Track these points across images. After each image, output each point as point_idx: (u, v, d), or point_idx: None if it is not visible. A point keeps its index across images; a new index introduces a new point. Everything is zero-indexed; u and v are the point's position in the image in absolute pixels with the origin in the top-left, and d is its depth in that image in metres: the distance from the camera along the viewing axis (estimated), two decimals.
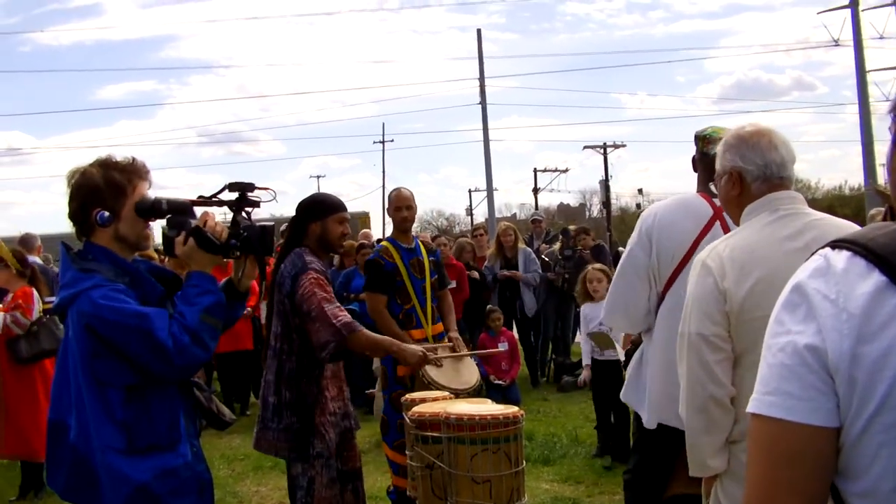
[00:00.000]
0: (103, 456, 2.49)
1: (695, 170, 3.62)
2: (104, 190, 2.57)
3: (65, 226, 2.72)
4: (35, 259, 7.13)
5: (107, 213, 2.56)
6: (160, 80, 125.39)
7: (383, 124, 65.94)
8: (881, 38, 25.80)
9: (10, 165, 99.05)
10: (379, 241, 11.18)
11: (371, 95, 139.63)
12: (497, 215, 32.12)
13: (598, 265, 7.13)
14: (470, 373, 4.96)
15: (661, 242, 3.39)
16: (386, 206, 5.29)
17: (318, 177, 57.13)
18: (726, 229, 3.43)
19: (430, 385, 4.58)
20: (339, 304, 3.79)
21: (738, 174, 2.48)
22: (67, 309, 2.59)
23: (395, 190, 5.33)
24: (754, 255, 2.33)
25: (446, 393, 4.09)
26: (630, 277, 3.45)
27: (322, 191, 4.62)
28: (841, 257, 1.13)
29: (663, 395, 3.44)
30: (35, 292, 5.83)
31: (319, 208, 4.00)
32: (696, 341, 2.34)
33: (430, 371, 4.75)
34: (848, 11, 24.78)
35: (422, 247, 5.28)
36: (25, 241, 7.37)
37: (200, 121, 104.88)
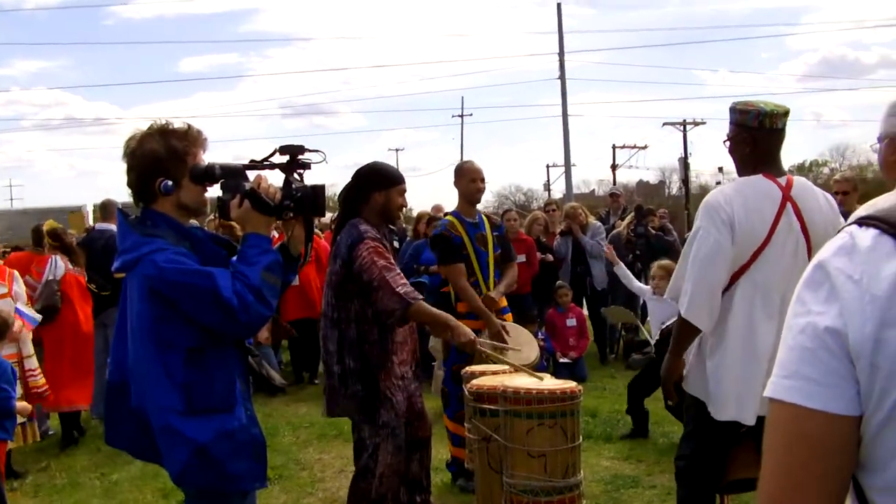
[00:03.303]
0: (163, 417, 2.54)
1: (743, 150, 3.37)
2: (165, 159, 2.61)
3: None
4: (109, 226, 7.26)
5: (170, 182, 2.61)
6: (241, 52, 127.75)
7: (462, 98, 64.61)
8: None
9: (97, 135, 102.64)
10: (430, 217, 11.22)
11: (449, 69, 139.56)
12: (575, 191, 31.71)
13: (664, 262, 6.86)
14: (530, 348, 4.91)
15: (745, 229, 3.24)
16: (454, 178, 5.23)
17: (397, 150, 56.94)
18: (795, 208, 3.28)
19: (488, 359, 4.56)
20: (399, 272, 3.81)
21: None
22: (128, 273, 2.64)
23: (466, 162, 5.25)
24: None
25: (506, 367, 4.07)
26: (717, 268, 3.27)
27: (386, 162, 4.56)
28: (867, 235, 1.04)
29: (738, 390, 3.29)
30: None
31: (385, 178, 4.02)
32: None
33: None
34: None
35: (485, 220, 5.24)
36: (105, 207, 7.55)
37: (281, 93, 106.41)
